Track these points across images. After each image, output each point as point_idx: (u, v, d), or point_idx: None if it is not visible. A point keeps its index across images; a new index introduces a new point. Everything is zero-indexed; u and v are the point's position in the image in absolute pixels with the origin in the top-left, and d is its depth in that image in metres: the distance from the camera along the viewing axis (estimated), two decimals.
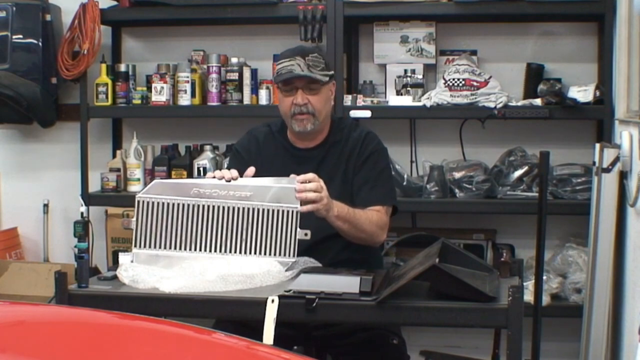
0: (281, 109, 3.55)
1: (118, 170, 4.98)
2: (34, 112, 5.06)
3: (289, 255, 3.20)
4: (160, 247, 3.19)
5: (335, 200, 3.31)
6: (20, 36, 5.01)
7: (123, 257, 3.21)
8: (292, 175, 3.24)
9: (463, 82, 4.55)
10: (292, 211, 3.19)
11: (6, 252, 5.17)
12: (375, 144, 3.60)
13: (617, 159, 3.78)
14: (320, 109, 3.48)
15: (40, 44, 5.02)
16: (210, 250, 3.18)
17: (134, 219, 3.19)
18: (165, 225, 3.19)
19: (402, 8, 4.64)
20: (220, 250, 3.18)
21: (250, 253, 3.19)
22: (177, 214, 3.18)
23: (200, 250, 3.18)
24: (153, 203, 3.18)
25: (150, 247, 3.19)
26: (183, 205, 3.18)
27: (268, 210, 3.19)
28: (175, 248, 3.18)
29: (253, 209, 3.19)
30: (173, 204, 3.18)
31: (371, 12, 4.68)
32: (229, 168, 3.38)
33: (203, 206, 3.18)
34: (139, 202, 3.19)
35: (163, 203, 3.18)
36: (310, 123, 3.48)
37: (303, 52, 3.48)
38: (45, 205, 5.29)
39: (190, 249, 3.18)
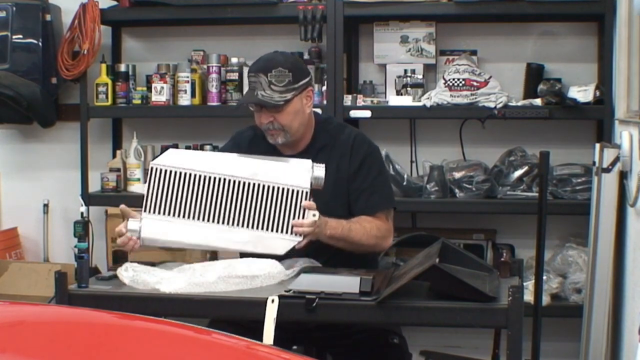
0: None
1: (118, 170, 4.98)
2: (34, 112, 5.06)
3: (296, 234, 3.20)
4: (169, 215, 3.20)
5: (329, 218, 3.29)
6: (20, 36, 5.01)
7: (132, 223, 3.23)
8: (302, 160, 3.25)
9: (463, 82, 4.55)
10: (303, 191, 3.19)
11: (6, 252, 5.17)
12: (366, 147, 3.52)
13: (617, 159, 3.78)
14: (288, 124, 3.38)
15: (40, 44, 5.02)
16: (219, 222, 3.19)
17: (146, 184, 3.22)
18: (176, 194, 3.20)
19: (402, 8, 4.64)
20: (229, 223, 3.19)
21: (258, 228, 3.19)
22: (189, 184, 3.21)
23: (209, 221, 3.19)
24: (166, 171, 3.21)
25: (159, 213, 3.20)
26: (195, 176, 3.20)
27: (279, 189, 3.20)
28: (184, 217, 3.19)
29: (264, 186, 3.20)
30: (186, 174, 3.21)
31: (371, 12, 4.68)
32: None
33: (215, 179, 3.20)
34: (152, 168, 3.22)
35: (176, 172, 3.20)
36: (281, 137, 3.41)
37: (266, 68, 3.36)
38: (45, 205, 5.29)
39: (199, 219, 3.20)
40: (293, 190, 3.19)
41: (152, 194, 3.21)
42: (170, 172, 3.20)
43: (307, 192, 3.19)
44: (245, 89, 4.83)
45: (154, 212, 3.20)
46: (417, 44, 4.79)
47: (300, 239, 3.21)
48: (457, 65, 4.63)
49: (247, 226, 3.20)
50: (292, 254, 3.27)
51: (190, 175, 3.20)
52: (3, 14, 4.99)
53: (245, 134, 3.62)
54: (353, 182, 3.47)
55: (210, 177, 3.20)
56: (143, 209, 3.22)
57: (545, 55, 4.83)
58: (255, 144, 3.56)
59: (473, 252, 4.65)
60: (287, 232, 3.20)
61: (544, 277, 4.19)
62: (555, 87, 4.54)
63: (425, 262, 2.97)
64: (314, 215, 3.18)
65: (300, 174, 3.21)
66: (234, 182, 3.20)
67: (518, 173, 4.62)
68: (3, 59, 4.98)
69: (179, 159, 3.24)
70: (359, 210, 3.43)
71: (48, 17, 5.04)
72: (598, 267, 3.96)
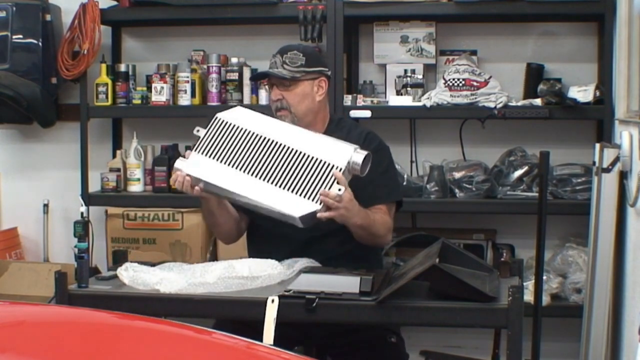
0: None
1: (118, 170, 4.98)
2: (34, 112, 5.06)
3: (317, 202, 3.21)
4: (215, 159, 3.37)
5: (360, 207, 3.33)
6: (20, 36, 5.01)
7: (179, 162, 3.39)
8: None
9: (463, 82, 4.55)
10: (335, 167, 3.22)
11: (6, 252, 5.17)
12: (377, 143, 3.61)
13: (617, 159, 3.78)
14: (294, 104, 3.51)
15: (40, 44, 5.02)
16: (253, 175, 3.31)
17: (205, 129, 3.42)
18: (227, 144, 3.39)
19: (402, 8, 4.64)
20: (262, 178, 3.30)
21: (285, 188, 3.26)
22: (240, 139, 3.38)
23: (245, 171, 3.32)
24: (228, 124, 3.42)
25: (207, 155, 3.38)
26: (249, 133, 3.38)
27: (316, 160, 3.28)
28: (226, 163, 3.36)
29: (304, 154, 3.30)
30: (242, 130, 3.40)
31: (371, 12, 4.68)
32: None
33: (265, 139, 3.35)
34: (216, 118, 3.43)
35: (234, 126, 3.41)
36: (289, 118, 3.53)
37: (283, 50, 3.58)
38: (45, 205, 5.29)
39: (238, 168, 3.34)
40: (327, 164, 3.24)
41: (207, 138, 3.41)
42: (230, 125, 3.41)
43: (340, 169, 3.22)
44: (245, 89, 4.84)
45: (203, 153, 3.39)
46: (417, 44, 4.79)
47: (320, 206, 3.21)
48: (457, 65, 4.63)
49: (277, 184, 3.28)
50: (311, 225, 3.27)
51: (245, 131, 3.39)
52: (3, 14, 4.99)
53: None
54: (361, 177, 3.50)
55: (261, 137, 3.36)
56: (194, 149, 3.41)
57: (545, 55, 4.83)
58: None
59: (473, 252, 4.65)
60: (310, 198, 3.23)
61: (544, 277, 4.19)
62: (555, 87, 4.54)
63: (425, 262, 2.97)
64: (339, 189, 3.20)
65: (341, 152, 3.28)
66: (280, 145, 3.34)
67: (518, 173, 4.62)
68: (3, 59, 4.98)
69: (241, 117, 3.44)
70: (364, 201, 3.45)
71: (48, 17, 5.04)
72: (598, 267, 3.96)
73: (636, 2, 3.92)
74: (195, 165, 3.36)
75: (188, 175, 3.35)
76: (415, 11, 4.66)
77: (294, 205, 3.24)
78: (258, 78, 4.00)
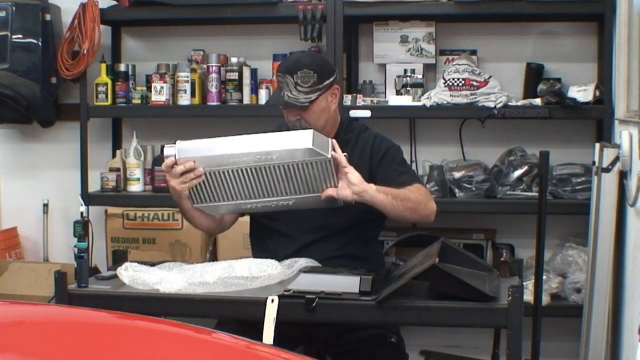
0: None
1: (118, 170, 4.98)
2: (34, 112, 5.07)
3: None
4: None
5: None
6: (20, 36, 5.02)
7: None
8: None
9: (463, 82, 4.55)
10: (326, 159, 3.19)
11: (6, 252, 5.17)
12: (388, 143, 3.64)
13: (617, 159, 3.79)
14: (314, 122, 3.48)
15: (40, 44, 5.02)
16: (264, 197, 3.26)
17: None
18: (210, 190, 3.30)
19: (402, 8, 4.65)
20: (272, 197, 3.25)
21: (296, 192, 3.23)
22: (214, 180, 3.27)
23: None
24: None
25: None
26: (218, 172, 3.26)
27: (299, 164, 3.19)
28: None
29: (286, 165, 3.19)
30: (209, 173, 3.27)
31: (371, 12, 4.68)
32: None
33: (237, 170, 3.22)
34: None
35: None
36: None
37: (293, 69, 3.47)
38: (45, 205, 5.29)
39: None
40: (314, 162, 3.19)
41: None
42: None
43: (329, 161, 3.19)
44: (245, 89, 4.84)
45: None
46: (417, 44, 4.79)
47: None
48: (457, 65, 4.63)
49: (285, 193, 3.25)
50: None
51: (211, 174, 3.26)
52: (3, 14, 4.99)
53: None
54: (379, 172, 3.53)
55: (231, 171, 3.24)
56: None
57: (545, 55, 4.83)
58: None
59: (473, 252, 4.64)
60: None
61: (544, 277, 4.19)
62: (555, 87, 4.54)
63: (425, 262, 2.97)
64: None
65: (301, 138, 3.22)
66: (254, 168, 3.21)
67: (518, 173, 4.62)
68: (3, 59, 4.98)
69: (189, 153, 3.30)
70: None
71: (48, 17, 5.05)
72: (598, 267, 3.96)
73: (636, 2, 3.92)
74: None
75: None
76: (415, 11, 4.66)
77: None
78: (272, 105, 3.72)
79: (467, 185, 4.62)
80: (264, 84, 4.84)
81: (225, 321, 3.37)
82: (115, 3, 4.94)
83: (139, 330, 2.17)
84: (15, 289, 4.75)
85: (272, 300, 2.94)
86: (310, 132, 3.19)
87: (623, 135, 3.67)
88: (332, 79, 3.54)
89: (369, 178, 3.43)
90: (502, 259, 3.51)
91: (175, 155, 3.27)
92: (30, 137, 5.36)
